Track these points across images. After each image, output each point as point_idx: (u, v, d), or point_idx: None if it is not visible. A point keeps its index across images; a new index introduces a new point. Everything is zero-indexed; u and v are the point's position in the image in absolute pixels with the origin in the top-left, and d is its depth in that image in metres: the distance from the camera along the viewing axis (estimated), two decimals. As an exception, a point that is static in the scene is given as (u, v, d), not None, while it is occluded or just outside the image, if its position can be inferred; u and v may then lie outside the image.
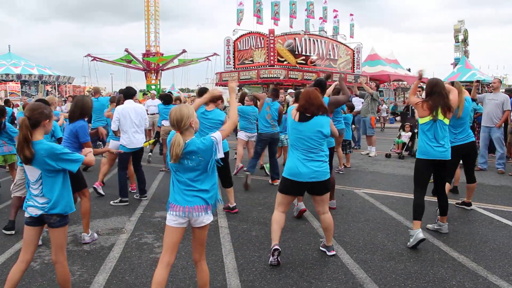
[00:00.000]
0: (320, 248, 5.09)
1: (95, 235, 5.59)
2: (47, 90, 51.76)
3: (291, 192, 4.80)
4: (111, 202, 7.23)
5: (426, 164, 5.32)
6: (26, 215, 3.56)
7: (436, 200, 5.67)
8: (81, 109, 5.58)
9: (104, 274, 4.46)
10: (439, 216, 5.71)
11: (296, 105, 4.84)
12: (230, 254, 4.97)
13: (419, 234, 5.03)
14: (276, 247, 4.58)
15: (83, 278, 4.39)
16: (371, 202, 7.30)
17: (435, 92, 5.19)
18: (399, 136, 13.28)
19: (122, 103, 7.59)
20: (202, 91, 6.48)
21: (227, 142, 6.63)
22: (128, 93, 7.71)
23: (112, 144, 7.93)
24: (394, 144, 13.42)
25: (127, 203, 7.23)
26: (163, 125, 10.47)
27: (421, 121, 5.29)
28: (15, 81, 50.45)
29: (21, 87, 49.10)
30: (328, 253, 4.94)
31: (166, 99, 11.23)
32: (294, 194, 4.88)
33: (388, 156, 12.66)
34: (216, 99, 6.45)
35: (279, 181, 4.85)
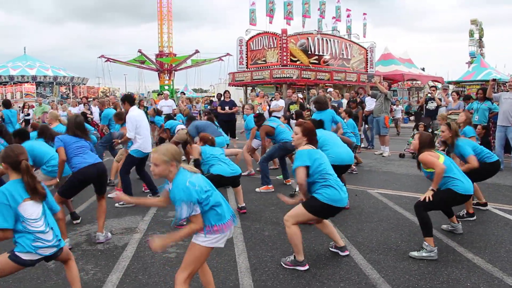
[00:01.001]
0: (331, 249, 5.08)
1: (109, 234, 5.63)
2: (61, 92, 52.31)
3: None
4: (116, 204, 7.15)
5: None
6: (34, 257, 3.35)
7: None
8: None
9: (118, 273, 4.50)
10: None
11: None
12: (243, 254, 4.98)
13: (434, 254, 4.80)
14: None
15: (97, 277, 4.43)
16: (385, 202, 7.25)
17: None
18: (413, 136, 13.18)
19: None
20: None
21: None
22: (132, 100, 7.85)
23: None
24: (408, 144, 13.32)
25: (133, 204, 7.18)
26: (178, 130, 10.34)
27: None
28: (30, 82, 51.15)
29: (36, 88, 49.80)
30: (342, 254, 4.92)
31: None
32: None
33: (402, 156, 12.57)
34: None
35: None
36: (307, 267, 4.55)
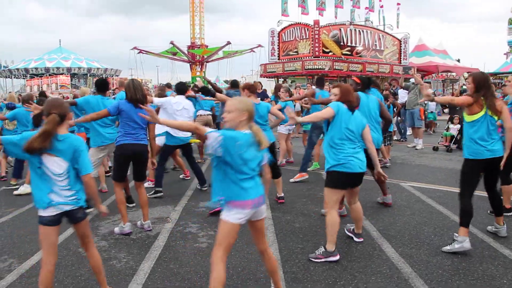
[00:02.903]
0: (346, 232, 5.20)
1: (139, 223, 5.76)
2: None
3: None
4: (148, 195, 7.23)
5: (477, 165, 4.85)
6: (49, 213, 3.40)
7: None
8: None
9: (150, 262, 4.57)
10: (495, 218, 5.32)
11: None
12: (274, 245, 4.98)
13: (467, 243, 4.69)
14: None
15: (129, 265, 4.51)
16: (417, 195, 7.14)
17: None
18: (447, 129, 12.92)
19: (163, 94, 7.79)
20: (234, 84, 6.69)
21: (272, 132, 6.67)
22: (181, 89, 7.87)
23: (158, 140, 8.02)
24: (442, 137, 13.08)
25: (161, 194, 7.30)
26: (200, 115, 10.39)
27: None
28: (65, 74, 52.25)
29: (71, 80, 50.82)
30: (356, 239, 5.10)
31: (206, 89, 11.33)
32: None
33: (435, 149, 12.34)
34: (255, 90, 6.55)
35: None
36: (338, 257, 4.56)
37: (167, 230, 5.59)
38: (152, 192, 7.27)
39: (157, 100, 7.37)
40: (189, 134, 7.43)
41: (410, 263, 4.47)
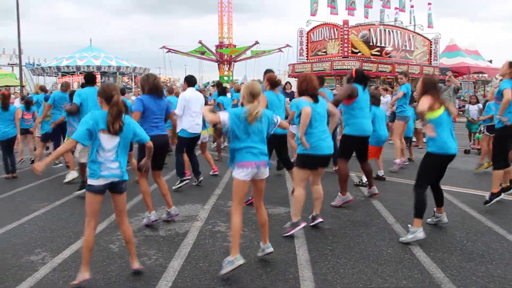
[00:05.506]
0: (310, 221, 5.60)
1: (164, 215, 5.94)
2: (124, 82, 54.01)
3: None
4: (173, 188, 7.52)
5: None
6: (100, 182, 3.88)
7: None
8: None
9: (179, 260, 4.59)
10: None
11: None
12: (303, 246, 4.95)
13: (420, 233, 5.05)
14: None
15: (159, 262, 4.54)
16: (449, 199, 6.99)
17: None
18: (480, 132, 12.65)
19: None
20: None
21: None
22: (191, 81, 8.00)
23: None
24: (473, 140, 12.81)
25: (188, 181, 7.75)
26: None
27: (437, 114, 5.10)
28: (95, 72, 53.14)
29: (101, 78, 51.69)
30: (317, 221, 5.57)
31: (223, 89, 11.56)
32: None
33: (467, 152, 12.11)
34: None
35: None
36: (304, 224, 5.29)
37: (197, 228, 5.61)
38: (178, 182, 7.68)
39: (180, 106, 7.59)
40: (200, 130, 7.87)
41: (442, 268, 4.38)
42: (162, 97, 5.88)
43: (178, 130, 7.30)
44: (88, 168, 3.94)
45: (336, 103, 6.28)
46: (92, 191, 3.90)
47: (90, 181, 3.89)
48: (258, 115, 4.16)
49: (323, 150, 5.31)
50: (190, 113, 7.56)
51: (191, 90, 7.78)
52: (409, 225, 5.20)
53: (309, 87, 5.34)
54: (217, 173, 8.80)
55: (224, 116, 4.20)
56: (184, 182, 7.68)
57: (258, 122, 4.20)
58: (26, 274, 4.26)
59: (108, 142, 3.89)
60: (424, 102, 5.01)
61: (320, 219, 5.60)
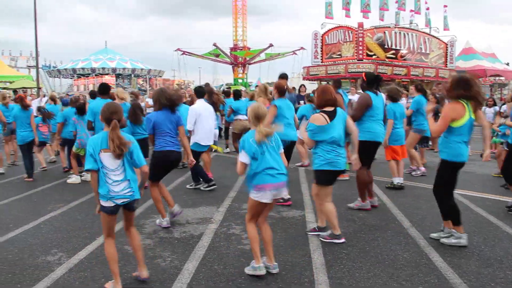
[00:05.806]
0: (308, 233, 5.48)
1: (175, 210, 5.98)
2: (139, 84, 54.42)
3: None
4: (187, 186, 7.89)
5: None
6: (111, 204, 3.83)
7: None
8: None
9: (194, 262, 4.60)
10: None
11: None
12: (318, 250, 4.92)
13: (464, 239, 5.05)
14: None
15: (174, 264, 4.55)
16: (465, 204, 6.92)
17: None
18: (496, 135, 12.48)
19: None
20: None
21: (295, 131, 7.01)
22: (200, 91, 8.03)
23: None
24: (490, 144, 12.64)
25: (215, 185, 7.84)
26: (240, 119, 10.63)
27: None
28: (110, 74, 53.69)
29: (116, 80, 52.17)
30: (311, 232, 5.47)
31: (238, 94, 11.65)
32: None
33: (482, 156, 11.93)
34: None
35: None
36: (343, 240, 5.14)
37: (211, 231, 5.62)
38: (206, 186, 7.81)
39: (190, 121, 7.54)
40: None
41: (459, 273, 4.32)
42: (175, 112, 5.83)
43: (190, 143, 7.28)
44: (99, 190, 3.87)
45: (354, 119, 6.05)
46: (105, 212, 3.89)
47: (103, 203, 3.86)
48: (265, 138, 4.10)
49: (340, 166, 5.18)
50: (202, 126, 7.53)
51: (201, 103, 7.77)
52: (446, 227, 5.24)
53: (328, 100, 5.19)
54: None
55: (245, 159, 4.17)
56: (212, 187, 7.77)
57: (267, 142, 4.14)
58: (43, 274, 4.30)
59: (111, 161, 3.81)
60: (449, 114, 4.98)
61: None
